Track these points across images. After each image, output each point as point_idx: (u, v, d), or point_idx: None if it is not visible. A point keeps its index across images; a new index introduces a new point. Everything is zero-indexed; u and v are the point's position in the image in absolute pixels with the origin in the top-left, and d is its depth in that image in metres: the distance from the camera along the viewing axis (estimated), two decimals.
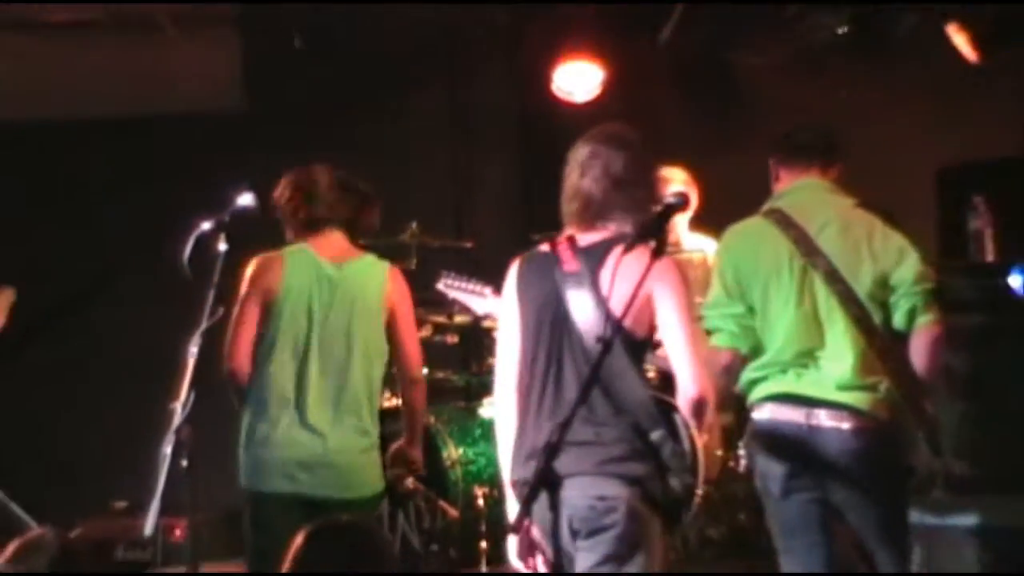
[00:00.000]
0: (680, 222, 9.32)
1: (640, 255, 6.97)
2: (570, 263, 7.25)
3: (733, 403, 9.07)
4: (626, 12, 13.01)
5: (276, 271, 8.53)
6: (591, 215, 7.36)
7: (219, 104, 13.43)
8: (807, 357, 8.20)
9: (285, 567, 5.26)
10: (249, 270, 8.34)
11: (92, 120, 12.82)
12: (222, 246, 7.56)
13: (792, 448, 8.25)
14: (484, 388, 11.77)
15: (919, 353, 8.21)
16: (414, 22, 13.12)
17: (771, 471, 8.38)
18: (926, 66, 11.78)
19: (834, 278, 8.17)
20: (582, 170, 7.45)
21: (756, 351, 8.34)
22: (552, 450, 6.56)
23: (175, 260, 7.65)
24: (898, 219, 8.65)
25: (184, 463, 7.35)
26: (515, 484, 7.26)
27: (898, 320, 8.22)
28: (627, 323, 6.99)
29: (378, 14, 12.88)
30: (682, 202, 7.54)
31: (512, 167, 13.86)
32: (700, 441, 7.46)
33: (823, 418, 8.16)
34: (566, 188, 7.46)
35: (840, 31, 12.12)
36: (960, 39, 11.46)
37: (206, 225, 7.64)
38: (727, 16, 12.67)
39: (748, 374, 8.39)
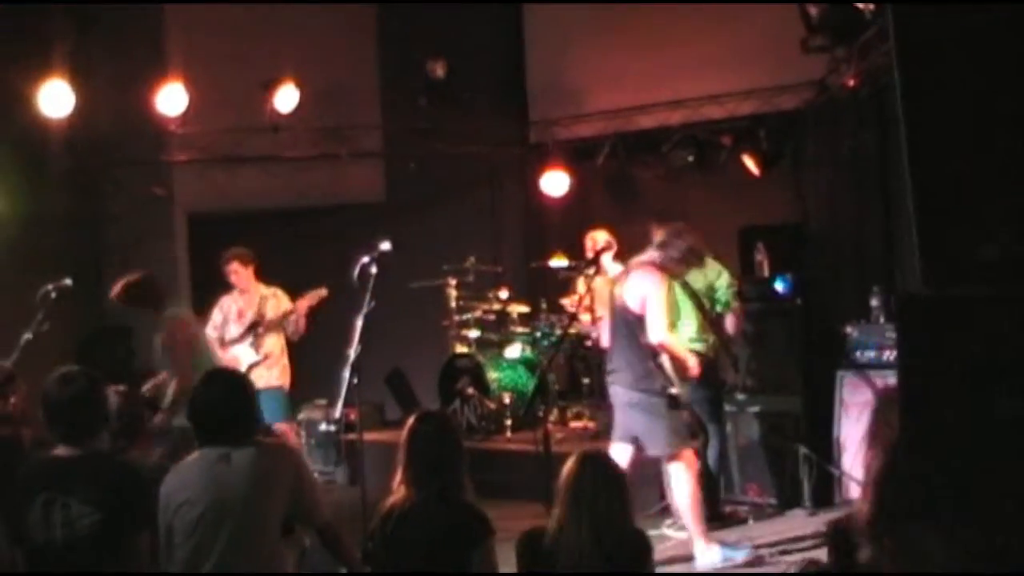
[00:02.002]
0: (607, 257, 9.35)
1: (644, 273, 7.57)
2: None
3: None
4: (578, 148, 13.03)
5: None
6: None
7: (371, 198, 13.44)
8: (671, 325, 8.34)
9: (402, 440, 5.20)
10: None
11: (306, 207, 12.81)
12: (374, 269, 7.56)
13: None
14: (508, 341, 11.84)
15: (729, 323, 8.44)
16: (473, 155, 13.13)
17: None
18: (732, 176, 11.72)
19: (685, 285, 8.35)
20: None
21: None
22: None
23: (350, 278, 7.70)
24: (718, 255, 8.82)
25: (355, 380, 7.39)
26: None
27: (719, 307, 8.42)
28: (636, 309, 7.53)
29: (453, 149, 12.94)
30: (609, 247, 7.87)
31: (522, 229, 13.78)
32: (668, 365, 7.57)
33: None
34: None
35: (689, 158, 12.10)
36: (750, 162, 11.49)
37: (365, 258, 7.64)
38: (629, 149, 12.71)
39: None
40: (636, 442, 7.73)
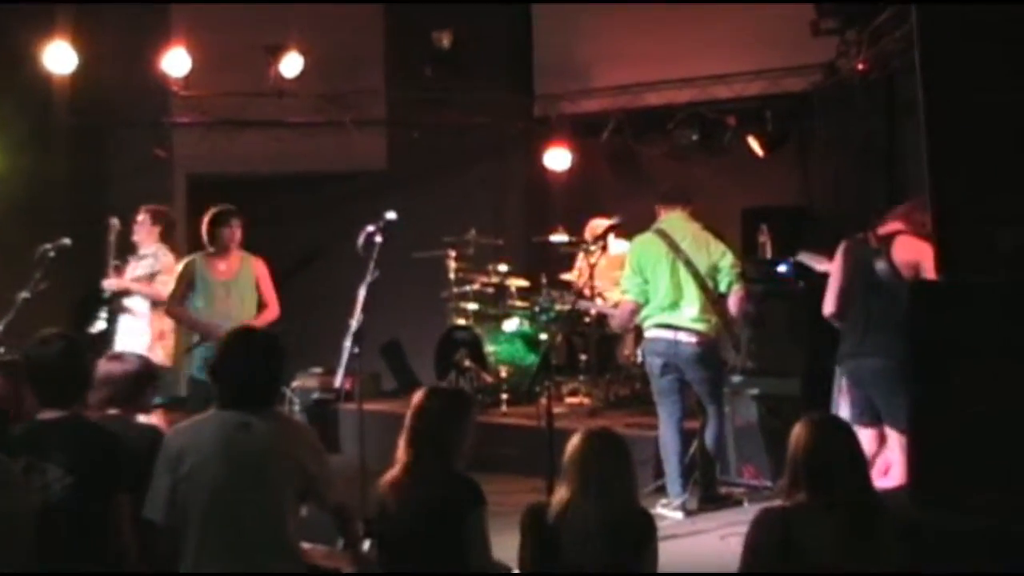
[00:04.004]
0: (611, 236, 9.25)
1: (912, 239, 7.32)
2: (874, 242, 7.46)
3: (636, 329, 9.10)
4: (584, 124, 13.00)
5: None
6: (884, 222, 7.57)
7: (373, 166, 13.43)
8: (674, 305, 8.35)
9: (409, 413, 5.14)
10: None
11: (307, 173, 12.80)
12: (378, 239, 7.46)
13: (665, 351, 8.42)
14: (506, 314, 11.78)
15: (733, 304, 8.36)
16: (477, 127, 13.09)
17: (654, 363, 8.53)
18: (737, 157, 11.77)
19: (689, 264, 8.32)
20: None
21: (648, 301, 8.46)
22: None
23: (354, 247, 7.62)
24: (722, 235, 8.77)
25: (356, 350, 7.29)
26: None
27: (722, 287, 8.36)
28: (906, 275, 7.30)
29: (457, 120, 12.93)
30: (620, 224, 7.76)
31: (524, 203, 13.73)
32: None
33: (682, 336, 8.34)
34: None
35: (694, 137, 12.10)
36: (755, 143, 11.50)
37: (370, 228, 7.53)
38: (635, 126, 12.67)
39: (643, 313, 8.54)
40: (878, 419, 7.50)
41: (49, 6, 11.47)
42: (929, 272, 7.11)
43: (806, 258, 8.55)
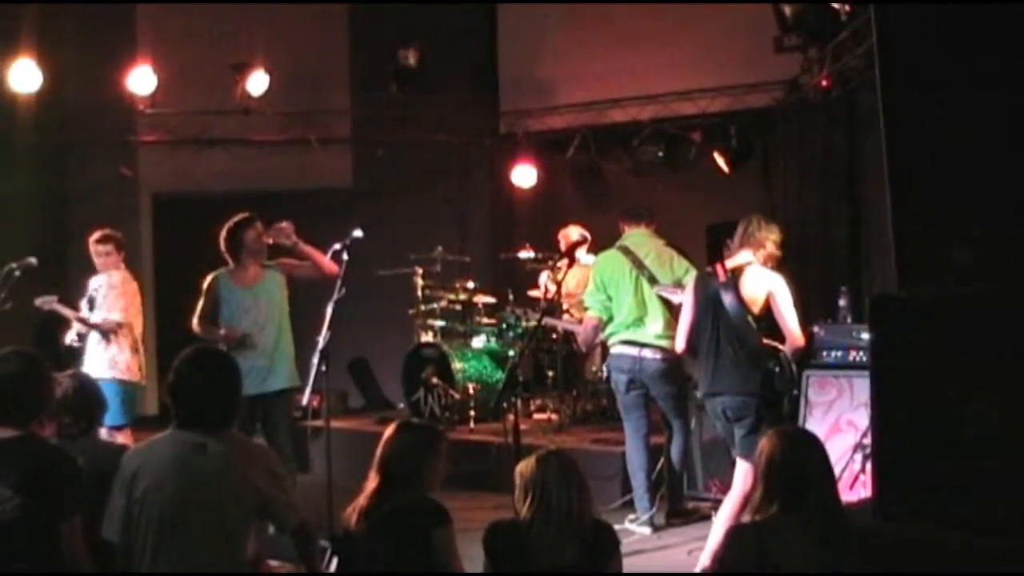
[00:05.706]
0: (581, 250, 9.21)
1: (764, 271, 7.16)
2: (722, 276, 7.16)
3: (602, 345, 9.12)
4: (549, 141, 13.05)
5: None
6: (731, 252, 7.30)
7: (339, 184, 13.47)
8: (639, 321, 8.41)
9: (380, 445, 5.12)
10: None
11: (273, 191, 12.65)
12: (345, 257, 7.47)
13: (630, 368, 8.46)
14: (474, 333, 11.77)
15: None
16: (443, 144, 13.15)
17: (619, 379, 8.57)
18: (702, 172, 11.84)
19: (652, 280, 8.36)
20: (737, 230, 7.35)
21: (612, 318, 8.50)
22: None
23: None
24: (686, 252, 8.80)
25: (323, 368, 7.27)
26: None
27: None
28: (757, 311, 7.13)
29: (422, 137, 12.96)
30: (584, 240, 7.78)
31: (489, 220, 13.78)
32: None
33: (646, 352, 8.38)
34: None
35: (659, 154, 12.17)
36: (719, 159, 11.55)
37: (337, 245, 7.54)
38: (600, 143, 12.71)
39: (608, 330, 8.61)
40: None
41: (13, 26, 11.42)
42: (779, 304, 7.13)
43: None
